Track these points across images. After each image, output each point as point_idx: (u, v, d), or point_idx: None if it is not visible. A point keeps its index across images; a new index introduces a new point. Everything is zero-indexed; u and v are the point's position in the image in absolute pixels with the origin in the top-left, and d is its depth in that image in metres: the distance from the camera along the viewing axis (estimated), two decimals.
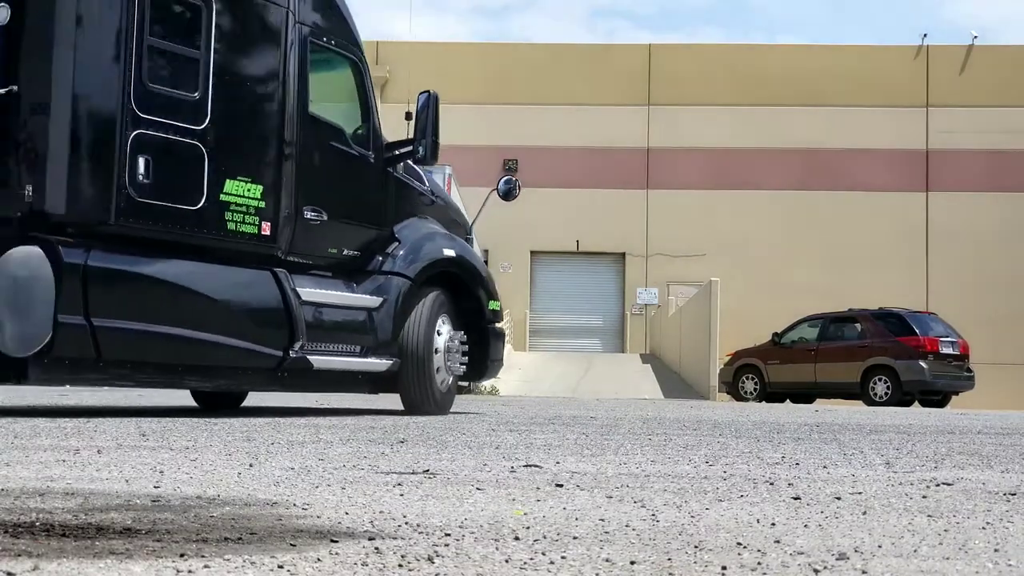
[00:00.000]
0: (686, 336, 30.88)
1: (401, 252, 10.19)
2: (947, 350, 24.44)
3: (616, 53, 40.71)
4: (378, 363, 9.83)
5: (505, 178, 12.06)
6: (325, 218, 9.57)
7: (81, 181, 7.97)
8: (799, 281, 36.78)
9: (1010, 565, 2.70)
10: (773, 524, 3.32)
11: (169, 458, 5.13)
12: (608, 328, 40.47)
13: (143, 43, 8.19)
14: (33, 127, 7.93)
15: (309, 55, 9.44)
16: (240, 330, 8.82)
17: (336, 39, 9.81)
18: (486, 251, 34.16)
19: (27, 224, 7.82)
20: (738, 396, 26.27)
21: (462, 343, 10.53)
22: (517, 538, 2.94)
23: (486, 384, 21.35)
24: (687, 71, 39.14)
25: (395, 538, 2.89)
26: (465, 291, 10.84)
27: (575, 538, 2.96)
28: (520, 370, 29.32)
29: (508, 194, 11.83)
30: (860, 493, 4.24)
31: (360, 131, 10.11)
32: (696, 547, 2.86)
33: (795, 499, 3.99)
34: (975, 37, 38.86)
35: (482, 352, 10.90)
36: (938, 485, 4.63)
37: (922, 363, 23.89)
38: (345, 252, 9.86)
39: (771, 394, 25.96)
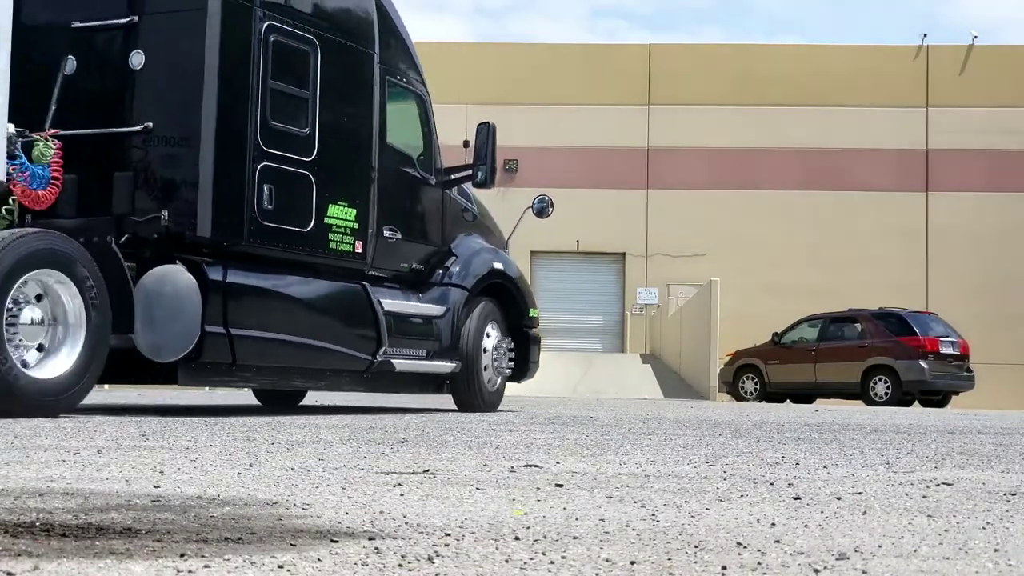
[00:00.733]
0: (686, 336, 30.88)
1: (458, 267, 11.50)
2: (947, 350, 24.44)
3: (616, 53, 40.70)
4: (444, 365, 11.15)
5: (539, 196, 13.01)
6: (399, 236, 10.86)
7: (223, 207, 9.09)
8: (799, 281, 36.76)
9: (1010, 565, 2.70)
10: (773, 524, 3.32)
11: (169, 458, 5.13)
12: (608, 328, 40.46)
13: (267, 85, 9.40)
14: (177, 160, 9.11)
15: (387, 91, 10.75)
16: (340, 337, 10.11)
17: (406, 76, 11.15)
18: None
19: (164, 245, 8.94)
20: (738, 396, 26.27)
21: (508, 348, 11.88)
22: (517, 538, 2.94)
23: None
24: (687, 71, 39.12)
25: (395, 538, 2.89)
26: (509, 300, 12.10)
27: (575, 538, 2.96)
28: None
29: (542, 212, 12.86)
30: (860, 493, 4.24)
31: (423, 157, 11.37)
32: (696, 547, 2.86)
33: (795, 499, 3.99)
34: (975, 37, 38.83)
35: (523, 355, 12.17)
36: (938, 485, 4.63)
37: (922, 363, 23.89)
38: (412, 266, 11.15)
39: (771, 394, 25.96)
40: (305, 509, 3.42)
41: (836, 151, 38.14)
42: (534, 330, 12.41)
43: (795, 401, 25.30)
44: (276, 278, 9.68)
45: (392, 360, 10.51)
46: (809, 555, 2.77)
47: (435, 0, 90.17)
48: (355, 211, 10.21)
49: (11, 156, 8.28)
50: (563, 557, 2.67)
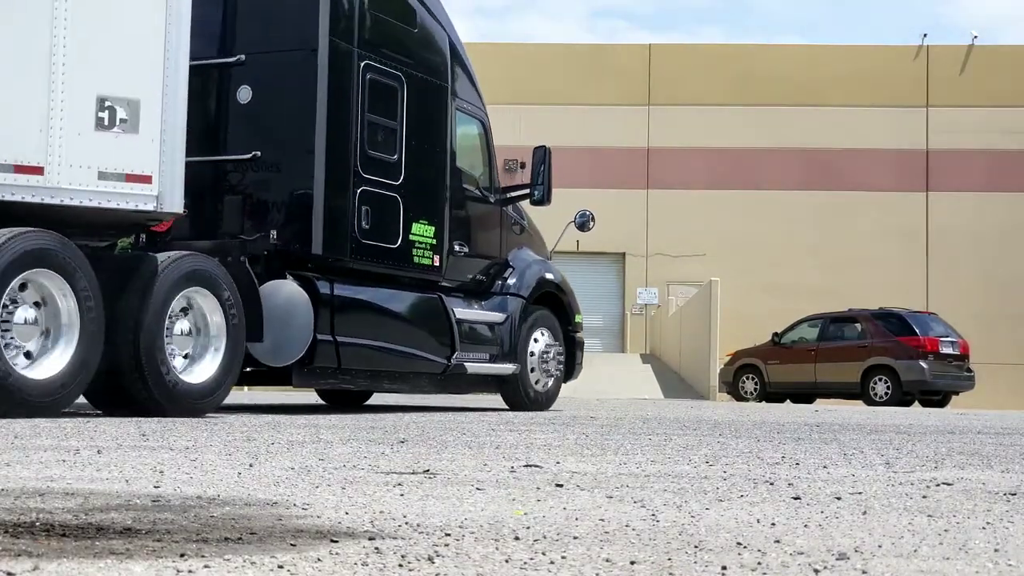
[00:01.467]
0: (686, 336, 30.87)
1: (514, 278, 12.62)
2: (947, 350, 24.43)
3: (616, 53, 40.69)
4: (506, 367, 12.24)
5: (580, 211, 13.95)
6: (466, 251, 12.00)
7: (331, 227, 10.20)
8: (799, 281, 36.74)
9: (1010, 565, 2.70)
10: (773, 524, 3.32)
11: (169, 458, 5.13)
12: (608, 328, 40.44)
13: (364, 118, 10.51)
14: (285, 184, 10.22)
15: (456, 119, 11.87)
16: (422, 343, 11.26)
17: (471, 105, 12.30)
18: None
19: (274, 261, 9.97)
20: (738, 396, 26.26)
21: (558, 352, 12.93)
22: (517, 538, 2.94)
23: None
24: (687, 71, 39.10)
25: (395, 538, 2.89)
26: (557, 306, 13.18)
27: (575, 538, 2.96)
28: None
29: (583, 226, 13.86)
30: (860, 493, 4.24)
31: (483, 177, 12.52)
32: (696, 547, 2.86)
33: (795, 499, 3.99)
34: (975, 37, 38.81)
35: (570, 357, 13.25)
36: (938, 485, 4.63)
37: (922, 363, 23.88)
38: (475, 277, 12.31)
39: (771, 394, 25.95)
40: (305, 509, 3.42)
41: (836, 151, 38.12)
42: (579, 334, 13.58)
43: (795, 401, 25.29)
44: (371, 290, 10.84)
45: (464, 364, 11.65)
46: (809, 555, 2.77)
47: None
48: (433, 228, 11.36)
49: None
50: (563, 557, 2.67)
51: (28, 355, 8.01)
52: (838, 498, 4.05)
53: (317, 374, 10.33)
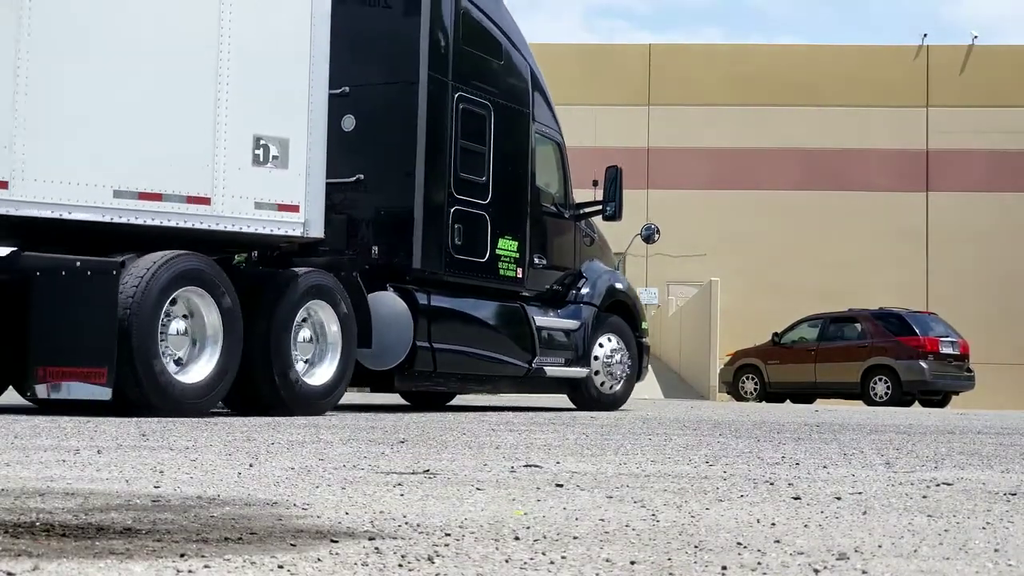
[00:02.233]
0: (686, 336, 30.86)
1: (587, 288, 13.63)
2: (947, 350, 24.42)
3: (616, 53, 40.69)
4: (580, 371, 13.26)
5: (647, 224, 15.11)
6: (545, 263, 13.07)
7: (429, 243, 11.32)
8: (799, 281, 36.72)
9: (1010, 565, 2.70)
10: (773, 524, 3.32)
11: (169, 458, 5.13)
12: None
13: (457, 144, 11.68)
14: (386, 204, 11.30)
15: (535, 141, 12.99)
16: (506, 348, 12.33)
17: (548, 128, 13.41)
18: None
19: (375, 274, 10.99)
20: (738, 396, 26.25)
21: (623, 356, 13.77)
22: (517, 538, 2.94)
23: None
24: (687, 71, 39.09)
25: (395, 538, 2.89)
26: (627, 313, 14.14)
27: (575, 538, 2.96)
28: None
29: (649, 238, 15.09)
30: (860, 493, 4.24)
31: (559, 195, 13.59)
32: (696, 547, 2.86)
33: (795, 499, 3.99)
34: (975, 37, 38.79)
35: (638, 360, 14.15)
36: (938, 485, 4.63)
37: (922, 363, 23.87)
38: (552, 287, 13.34)
39: (771, 394, 25.94)
40: (305, 509, 3.42)
41: (836, 151, 38.11)
42: (645, 339, 14.53)
43: (795, 401, 25.28)
44: (462, 300, 11.93)
45: (543, 367, 12.70)
46: (809, 555, 2.77)
47: None
48: (516, 243, 12.52)
49: None
50: (563, 557, 2.67)
51: (178, 362, 9.05)
52: (838, 498, 4.05)
53: (416, 377, 11.44)
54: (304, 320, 10.02)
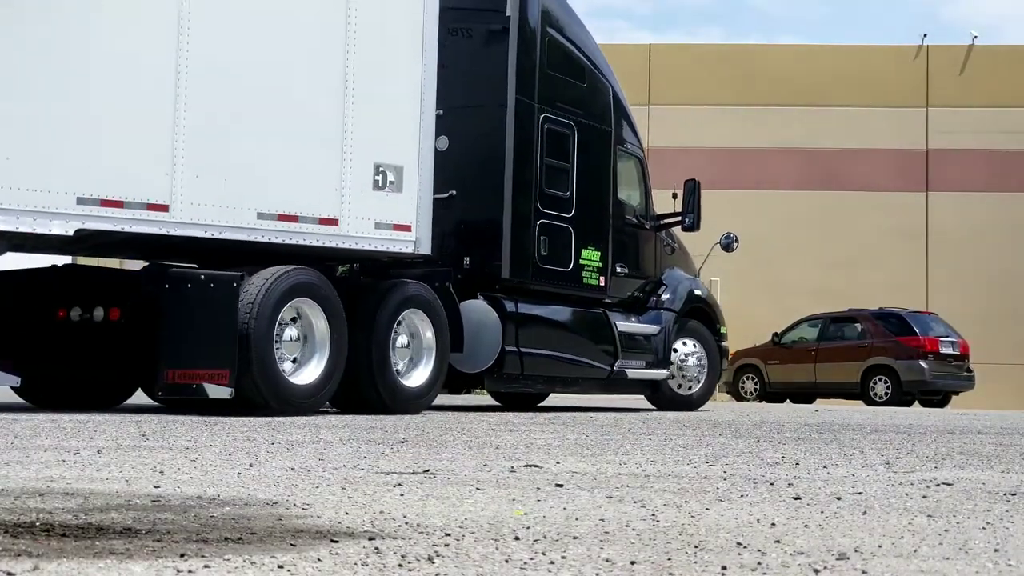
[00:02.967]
0: None
1: (668, 294, 14.43)
2: (947, 350, 24.42)
3: (616, 53, 40.58)
4: (660, 373, 14.05)
5: (726, 233, 15.59)
6: (626, 272, 13.80)
7: (516, 254, 12.23)
8: (799, 281, 36.72)
9: (1010, 565, 2.70)
10: (773, 524, 3.32)
11: (169, 458, 5.13)
12: None
13: (543, 162, 12.54)
14: (477, 218, 12.22)
15: (618, 157, 13.83)
16: (589, 352, 13.09)
17: (630, 144, 14.42)
18: None
19: (466, 283, 11.83)
20: (738, 396, 26.24)
21: (698, 359, 14.53)
22: (517, 538, 2.94)
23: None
24: (687, 71, 39.08)
25: (395, 538, 2.89)
26: (705, 318, 14.92)
27: (575, 538, 2.96)
28: None
29: (728, 247, 15.56)
30: (860, 493, 4.24)
31: (640, 207, 14.32)
32: (696, 547, 2.86)
33: (795, 499, 3.99)
34: (975, 37, 38.77)
35: (718, 363, 14.90)
36: (938, 485, 4.63)
37: (922, 363, 23.86)
38: (633, 294, 14.11)
39: (771, 394, 25.93)
40: (305, 509, 3.42)
41: (836, 151, 38.10)
42: (725, 343, 15.26)
43: (795, 401, 25.27)
44: (547, 307, 12.73)
45: (625, 370, 13.44)
46: (809, 555, 2.77)
47: None
48: (599, 253, 13.29)
49: None
50: (563, 557, 2.67)
51: (292, 364, 9.88)
52: (838, 498, 4.05)
53: (504, 379, 12.31)
54: (401, 327, 10.86)
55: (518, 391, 13.67)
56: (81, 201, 8.89)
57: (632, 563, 2.62)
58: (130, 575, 2.34)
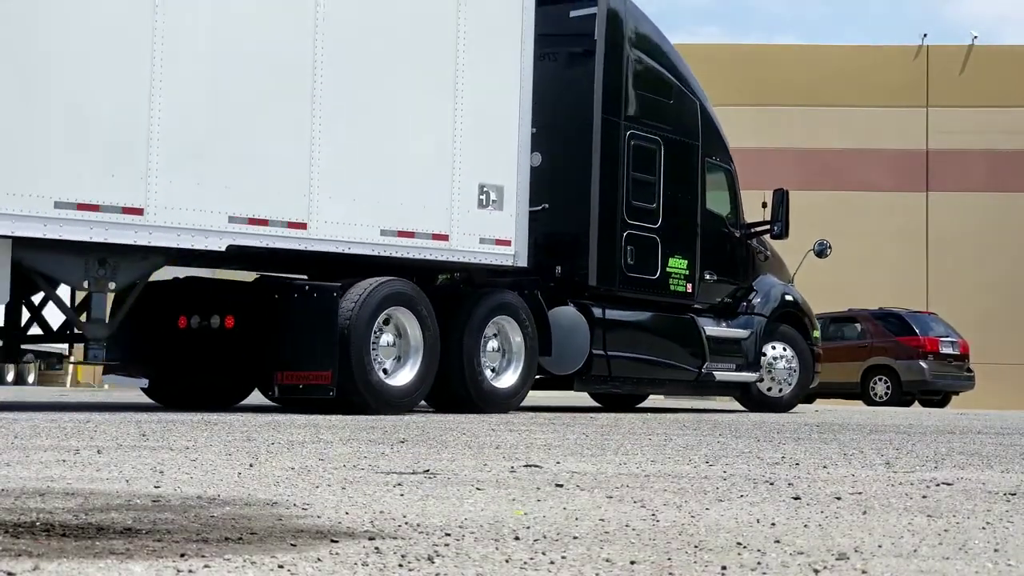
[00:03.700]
0: None
1: (758, 299, 14.94)
2: (947, 350, 24.41)
3: None
4: (750, 376, 14.53)
5: (819, 240, 16.31)
6: (715, 278, 14.26)
7: (604, 263, 12.82)
8: (799, 281, 36.69)
9: (1010, 565, 2.70)
10: (773, 524, 3.32)
11: (169, 458, 5.13)
12: None
13: (629, 175, 13.14)
14: (568, 229, 12.77)
15: (706, 169, 14.35)
16: (677, 355, 13.63)
17: (719, 157, 14.78)
18: None
19: (557, 290, 12.49)
20: None
21: (788, 362, 15.05)
22: (517, 538, 2.94)
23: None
24: None
25: (395, 538, 2.89)
26: (798, 323, 15.43)
27: (575, 538, 2.96)
28: None
29: (821, 253, 16.30)
30: (860, 493, 4.24)
31: (730, 216, 14.82)
32: (696, 547, 2.86)
33: (795, 499, 3.99)
34: (975, 37, 38.78)
35: (810, 368, 15.34)
36: (938, 485, 4.63)
37: (922, 363, 23.86)
38: (723, 299, 14.55)
39: None
40: (305, 509, 3.42)
41: (836, 151, 38.10)
42: (817, 347, 15.73)
43: None
44: (635, 313, 13.25)
45: (713, 372, 13.92)
46: (809, 555, 2.77)
47: None
48: (686, 261, 13.79)
49: None
50: (563, 557, 2.67)
51: (390, 367, 10.67)
52: (838, 498, 4.05)
53: (592, 381, 12.85)
54: (492, 332, 11.62)
55: (607, 392, 14.24)
56: (232, 220, 9.95)
57: (632, 563, 2.62)
58: (130, 575, 2.34)
